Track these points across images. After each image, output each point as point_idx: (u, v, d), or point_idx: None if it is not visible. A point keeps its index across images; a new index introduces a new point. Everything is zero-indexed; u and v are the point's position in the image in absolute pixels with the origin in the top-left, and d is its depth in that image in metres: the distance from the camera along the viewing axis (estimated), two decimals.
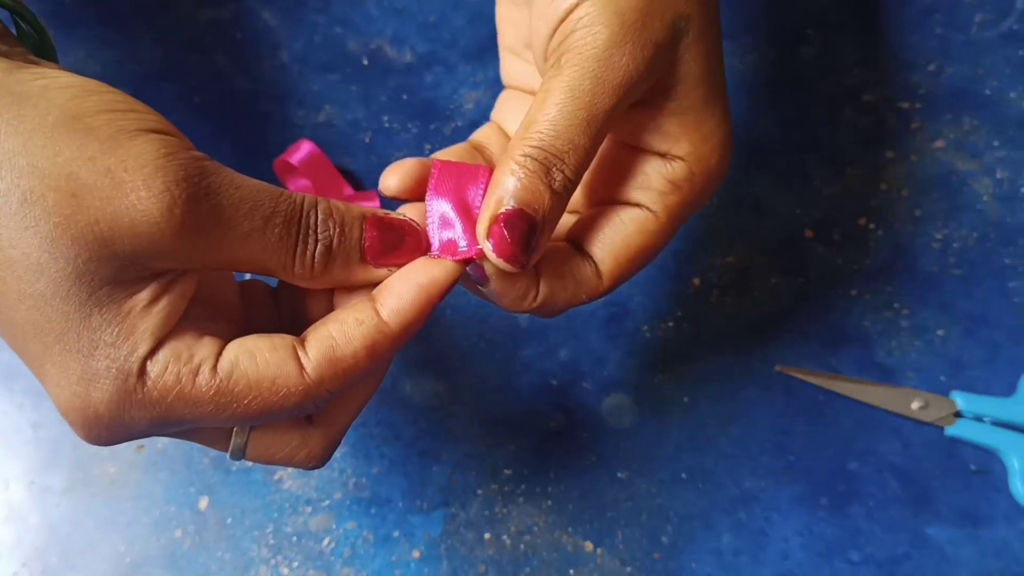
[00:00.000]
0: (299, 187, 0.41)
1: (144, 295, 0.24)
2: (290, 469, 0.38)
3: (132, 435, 0.26)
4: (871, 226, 0.41)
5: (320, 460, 0.28)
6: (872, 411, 0.38)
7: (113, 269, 0.24)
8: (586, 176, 0.32)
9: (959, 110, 0.43)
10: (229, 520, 0.37)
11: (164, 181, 0.23)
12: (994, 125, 0.43)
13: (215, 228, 0.25)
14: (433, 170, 0.30)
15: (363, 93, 0.44)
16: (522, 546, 0.37)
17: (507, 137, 0.35)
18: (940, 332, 0.40)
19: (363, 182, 0.43)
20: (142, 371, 0.24)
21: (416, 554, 0.37)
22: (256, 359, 0.25)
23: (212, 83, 0.45)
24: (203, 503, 0.38)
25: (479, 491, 0.38)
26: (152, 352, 0.24)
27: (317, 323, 0.27)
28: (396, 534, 0.37)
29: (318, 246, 0.27)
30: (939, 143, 0.42)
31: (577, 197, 0.33)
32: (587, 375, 0.39)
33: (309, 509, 0.38)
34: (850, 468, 0.38)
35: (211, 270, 0.28)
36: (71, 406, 0.25)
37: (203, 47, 0.46)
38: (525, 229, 0.27)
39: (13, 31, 0.29)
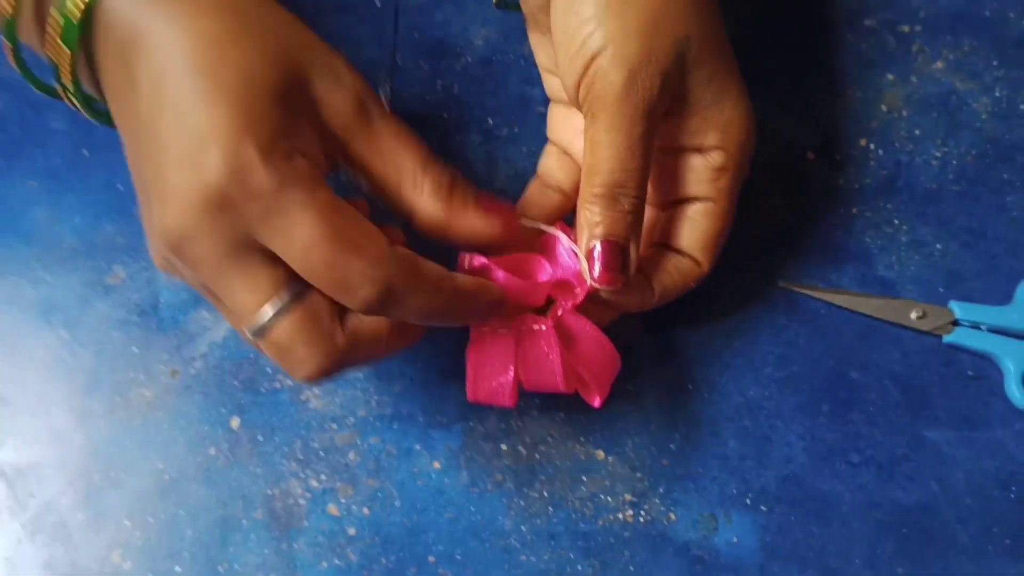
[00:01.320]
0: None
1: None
2: (317, 390, 0.40)
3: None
4: (871, 146, 0.42)
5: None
6: (872, 322, 0.40)
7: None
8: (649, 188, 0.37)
9: (959, 31, 0.44)
10: (260, 438, 0.40)
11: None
12: (993, 45, 0.43)
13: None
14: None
15: (376, 33, 0.46)
16: (537, 455, 0.39)
17: (568, 157, 0.40)
18: (939, 246, 0.41)
19: None
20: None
21: (437, 465, 0.39)
22: None
23: None
24: (235, 422, 0.40)
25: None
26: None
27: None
28: (418, 447, 0.39)
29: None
30: (939, 64, 0.43)
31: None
32: None
33: (335, 426, 0.40)
34: (851, 377, 0.39)
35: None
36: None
37: None
38: (615, 253, 0.33)
39: None
